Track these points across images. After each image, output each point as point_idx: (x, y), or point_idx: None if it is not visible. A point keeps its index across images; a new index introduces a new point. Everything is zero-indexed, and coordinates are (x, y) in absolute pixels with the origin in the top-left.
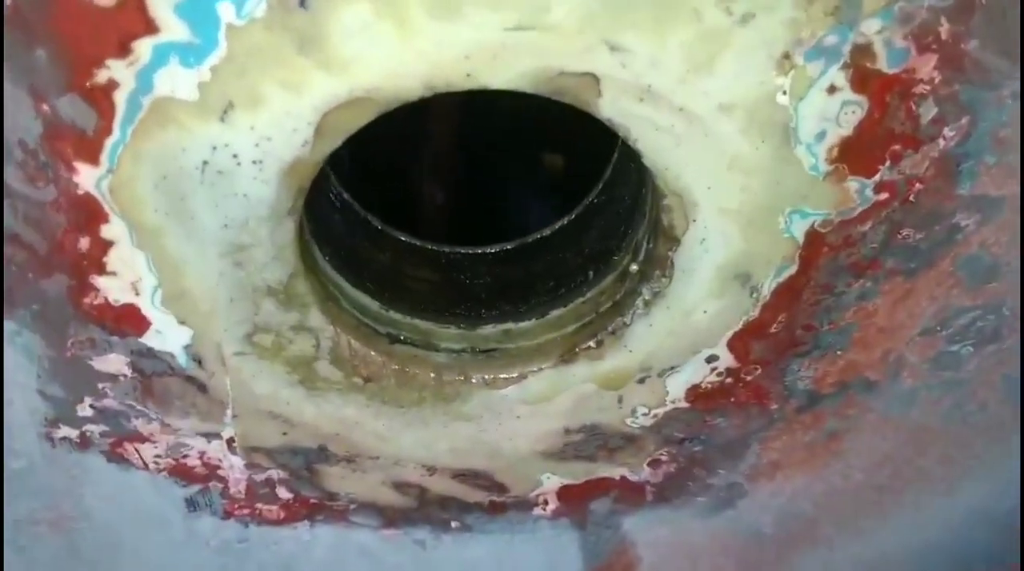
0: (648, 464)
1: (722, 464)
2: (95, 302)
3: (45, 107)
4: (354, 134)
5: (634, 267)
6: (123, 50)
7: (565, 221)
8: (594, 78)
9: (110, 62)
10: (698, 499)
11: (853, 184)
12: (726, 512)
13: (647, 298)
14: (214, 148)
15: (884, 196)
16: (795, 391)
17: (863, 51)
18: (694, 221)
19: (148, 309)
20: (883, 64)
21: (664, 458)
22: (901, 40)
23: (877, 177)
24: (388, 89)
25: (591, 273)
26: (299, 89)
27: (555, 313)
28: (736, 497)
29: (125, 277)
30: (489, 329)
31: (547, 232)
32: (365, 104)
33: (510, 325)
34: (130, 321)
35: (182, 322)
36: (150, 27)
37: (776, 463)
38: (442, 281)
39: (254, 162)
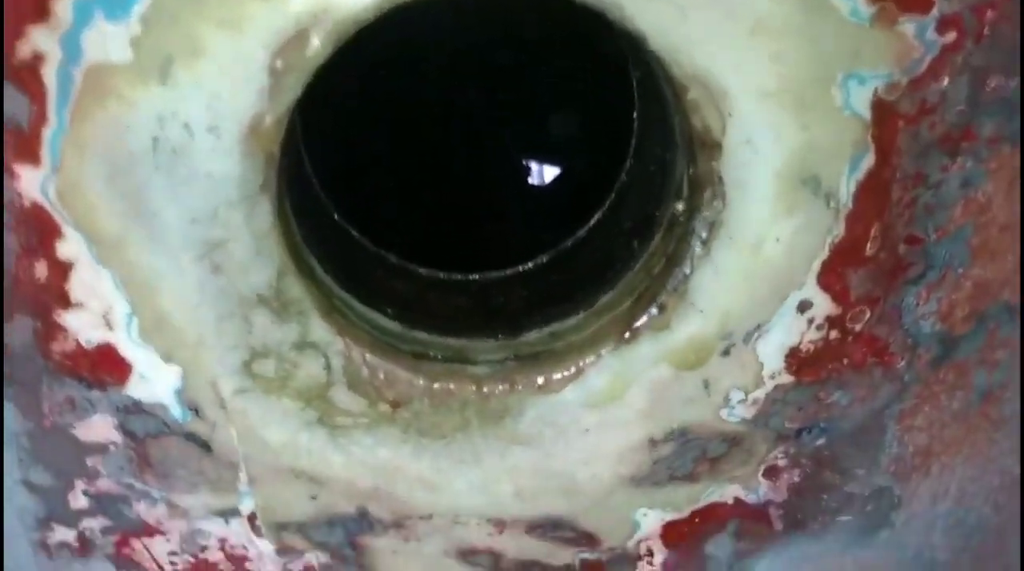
0: (764, 475)
1: (858, 460)
2: (66, 348)
3: None
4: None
5: (680, 206)
6: (42, 12)
7: (600, 214)
8: None
9: (31, 29)
10: (840, 519)
11: (908, 26)
12: (881, 534)
13: (703, 236)
14: (161, 119)
15: (952, 36)
16: (921, 336)
17: None
18: (730, 115)
19: (127, 346)
20: None
21: (782, 462)
22: None
23: (935, 11)
24: (340, 8)
25: (635, 243)
26: (240, 26)
27: (604, 299)
28: (888, 508)
29: (94, 307)
30: (533, 335)
31: (583, 232)
32: (318, 31)
33: (556, 326)
34: (109, 365)
35: (168, 359)
36: None
37: (927, 449)
38: (474, 305)
39: (209, 129)
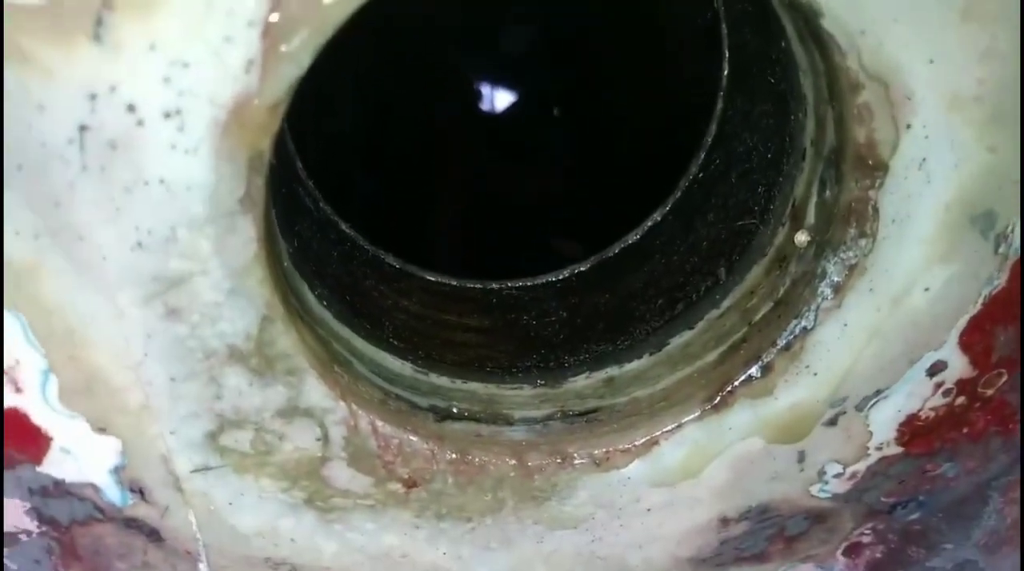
0: (844, 552)
1: (949, 535)
2: None
3: None
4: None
5: (802, 237)
6: None
7: (658, 216)
8: None
9: None
10: None
11: None
12: None
13: (835, 281)
14: (93, 97)
15: None
16: None
17: None
18: (909, 127)
19: (41, 413)
20: None
21: (866, 539)
22: None
23: None
24: None
25: (722, 269)
26: None
27: (678, 340)
28: None
29: None
30: (581, 381)
31: (636, 236)
32: None
33: (612, 369)
34: (18, 437)
35: (101, 428)
36: None
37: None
38: (498, 327)
39: (167, 115)
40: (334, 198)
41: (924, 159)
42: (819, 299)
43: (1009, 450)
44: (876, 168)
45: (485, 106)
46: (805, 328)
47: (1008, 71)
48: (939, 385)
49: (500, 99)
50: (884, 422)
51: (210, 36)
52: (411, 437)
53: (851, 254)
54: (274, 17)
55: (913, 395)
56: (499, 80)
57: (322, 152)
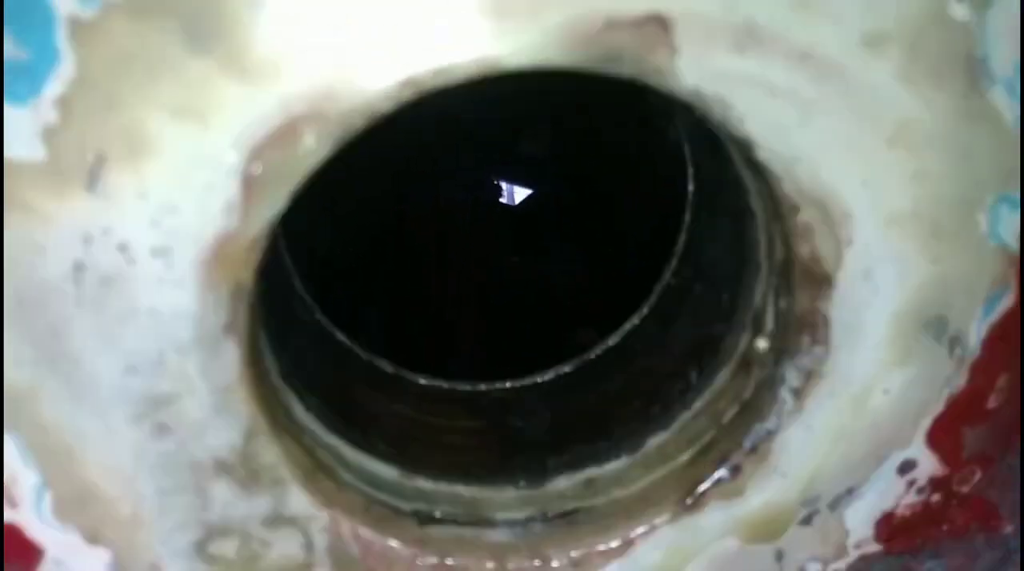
0: None
1: None
2: None
3: None
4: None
5: (762, 344)
6: None
7: (636, 320)
8: (661, 23)
9: None
10: None
11: None
12: None
13: (796, 385)
14: (88, 239)
15: None
16: None
17: None
18: (850, 243)
19: (35, 526)
20: None
21: None
22: None
23: None
24: (346, 95)
25: (693, 374)
26: (204, 116)
27: (654, 441)
28: None
29: None
30: (563, 482)
31: (615, 340)
32: (314, 125)
33: (592, 471)
34: (13, 551)
35: (93, 540)
36: None
37: None
38: (484, 429)
39: (155, 252)
40: (324, 303)
41: (868, 272)
42: (781, 403)
43: (995, 547)
44: (823, 281)
45: (466, 217)
46: (770, 431)
47: (943, 188)
48: (911, 483)
49: (483, 210)
50: (860, 520)
51: (194, 183)
52: (392, 543)
53: (807, 361)
54: (256, 168)
55: (886, 493)
56: (482, 193)
57: (314, 263)
